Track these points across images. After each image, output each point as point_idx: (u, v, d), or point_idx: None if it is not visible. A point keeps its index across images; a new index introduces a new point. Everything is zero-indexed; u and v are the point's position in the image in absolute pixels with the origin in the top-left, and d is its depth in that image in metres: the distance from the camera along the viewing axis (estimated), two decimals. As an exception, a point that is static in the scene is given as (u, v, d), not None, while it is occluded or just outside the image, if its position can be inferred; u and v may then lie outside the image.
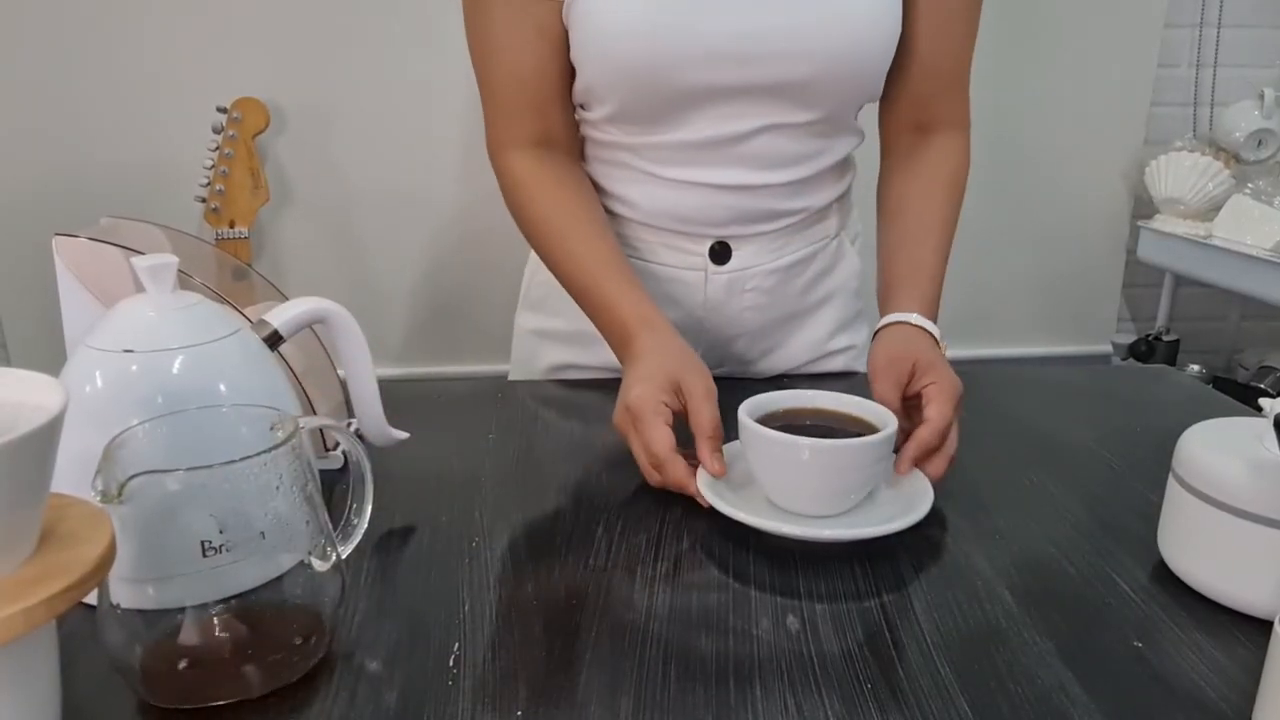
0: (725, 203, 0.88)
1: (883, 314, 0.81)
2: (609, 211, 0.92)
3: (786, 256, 0.93)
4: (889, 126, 0.92)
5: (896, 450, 0.67)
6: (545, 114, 0.86)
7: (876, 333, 0.80)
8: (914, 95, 0.89)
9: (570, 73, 0.85)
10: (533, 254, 0.96)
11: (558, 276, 0.85)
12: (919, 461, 0.68)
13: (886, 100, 0.90)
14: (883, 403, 0.70)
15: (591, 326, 0.83)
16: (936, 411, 0.69)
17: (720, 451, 0.68)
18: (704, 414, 0.68)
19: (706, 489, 0.65)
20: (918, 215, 0.87)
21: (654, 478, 0.69)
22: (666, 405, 0.69)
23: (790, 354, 0.98)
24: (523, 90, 0.84)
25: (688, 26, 0.78)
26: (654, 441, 0.68)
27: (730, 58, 0.79)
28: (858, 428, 0.67)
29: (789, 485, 0.65)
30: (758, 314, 0.94)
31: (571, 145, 0.89)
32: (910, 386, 0.72)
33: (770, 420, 0.66)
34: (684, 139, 0.85)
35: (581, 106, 0.88)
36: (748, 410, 0.66)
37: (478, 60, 0.85)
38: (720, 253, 0.91)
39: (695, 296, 0.93)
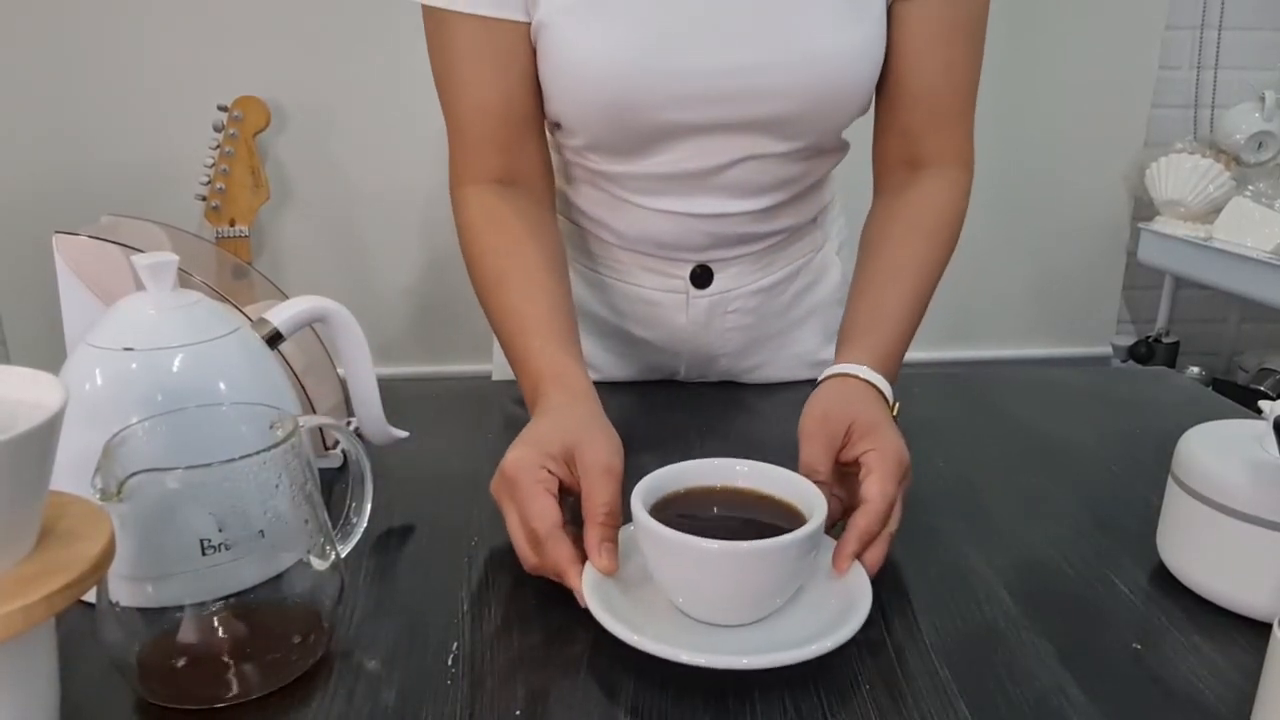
0: (704, 229, 0.85)
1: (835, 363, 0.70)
2: (587, 233, 0.90)
3: (770, 276, 0.90)
4: (880, 161, 0.85)
5: (828, 530, 0.55)
6: (511, 148, 0.79)
7: (817, 385, 0.68)
8: (903, 127, 0.81)
9: (541, 98, 0.80)
10: None
11: (490, 323, 0.77)
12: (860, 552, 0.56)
13: (876, 133, 0.84)
14: (809, 470, 0.59)
15: None
16: (877, 489, 0.57)
17: (613, 542, 0.55)
18: (596, 494, 0.56)
19: (592, 591, 0.52)
20: (891, 257, 0.77)
21: (529, 560, 0.57)
22: (551, 473, 0.58)
23: (777, 370, 0.96)
24: (489, 121, 0.78)
25: (660, 66, 0.74)
26: (534, 516, 0.56)
27: (705, 97, 0.75)
28: (778, 514, 0.55)
29: (692, 591, 0.53)
30: (741, 333, 0.92)
31: (537, 182, 0.82)
32: (846, 451, 0.61)
33: (671, 503, 0.55)
34: (659, 171, 0.81)
35: (557, 125, 0.83)
36: (642, 495, 0.53)
37: (442, 89, 0.79)
38: (701, 276, 0.88)
39: (676, 319, 0.90)
